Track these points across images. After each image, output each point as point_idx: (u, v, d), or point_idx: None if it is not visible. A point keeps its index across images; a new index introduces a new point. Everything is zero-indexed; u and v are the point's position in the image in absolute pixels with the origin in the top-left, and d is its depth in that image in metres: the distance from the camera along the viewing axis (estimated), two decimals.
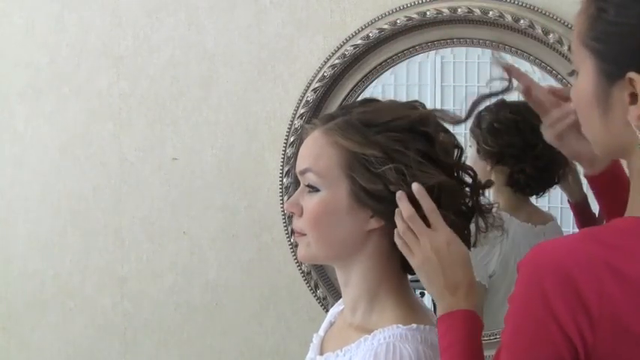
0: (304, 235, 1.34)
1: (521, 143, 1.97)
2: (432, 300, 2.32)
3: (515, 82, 1.39)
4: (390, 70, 2.08)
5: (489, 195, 1.52)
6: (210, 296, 2.26)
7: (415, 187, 1.26)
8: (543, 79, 2.05)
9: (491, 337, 1.92)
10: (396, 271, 1.32)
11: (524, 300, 1.02)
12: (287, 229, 2.12)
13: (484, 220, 1.37)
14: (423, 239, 1.25)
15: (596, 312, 0.97)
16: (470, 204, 1.36)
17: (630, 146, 1.06)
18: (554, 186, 2.03)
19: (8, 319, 2.46)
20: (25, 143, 2.39)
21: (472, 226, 1.37)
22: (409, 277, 1.37)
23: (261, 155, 2.18)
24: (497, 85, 1.39)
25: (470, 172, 1.37)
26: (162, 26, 2.23)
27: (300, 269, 2.13)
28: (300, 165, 1.34)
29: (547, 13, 1.89)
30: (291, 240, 2.10)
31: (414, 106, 1.37)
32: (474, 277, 1.27)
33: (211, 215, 2.24)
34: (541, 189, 2.05)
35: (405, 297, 1.34)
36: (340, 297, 1.43)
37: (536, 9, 1.90)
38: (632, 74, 1.03)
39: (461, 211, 1.35)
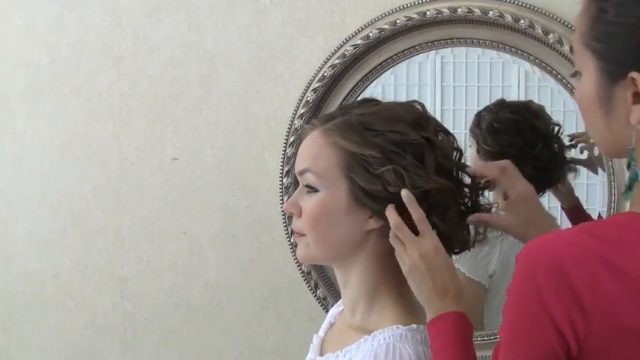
0: (303, 235, 1.34)
1: (521, 143, 1.97)
2: None
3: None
4: (390, 70, 2.08)
5: (489, 195, 1.52)
6: (210, 296, 2.26)
7: (404, 193, 1.26)
8: (543, 79, 2.05)
9: (492, 337, 1.92)
10: (395, 271, 1.32)
11: (519, 294, 1.03)
12: (287, 229, 2.12)
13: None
14: (410, 247, 1.26)
15: (590, 306, 0.97)
16: (469, 204, 1.37)
17: (635, 145, 1.06)
18: (567, 200, 2.03)
19: (8, 319, 2.46)
20: (25, 143, 2.39)
21: (471, 226, 1.38)
22: None
23: (261, 155, 2.18)
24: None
25: (470, 173, 1.37)
26: (162, 26, 2.23)
27: (300, 269, 2.13)
28: (299, 165, 1.34)
29: (547, 13, 1.89)
30: (291, 240, 2.10)
31: (413, 106, 1.37)
32: (462, 284, 1.28)
33: (211, 215, 2.24)
34: (541, 189, 2.05)
35: (404, 297, 1.34)
36: (340, 297, 1.43)
37: (536, 9, 1.90)
38: (634, 74, 1.03)
39: (460, 211, 1.35)
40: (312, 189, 1.32)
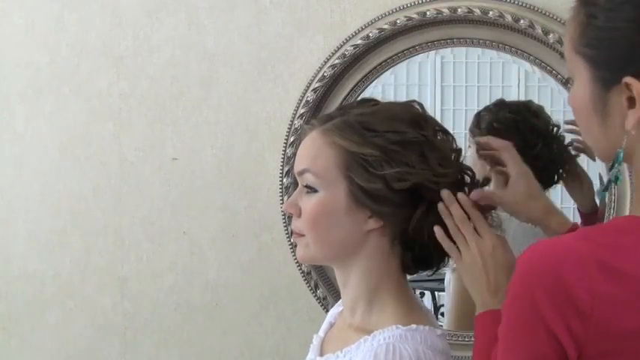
0: (303, 235, 1.34)
1: (521, 143, 1.95)
2: (432, 301, 2.33)
3: None
4: (390, 70, 2.08)
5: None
6: (210, 296, 2.26)
7: (444, 194, 1.29)
8: (543, 79, 2.05)
9: None
10: (395, 271, 1.33)
11: (515, 299, 1.03)
12: (287, 229, 2.12)
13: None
14: (472, 243, 1.28)
15: (589, 310, 0.97)
16: None
17: (631, 150, 1.06)
18: (554, 186, 2.03)
19: (8, 319, 2.46)
20: (25, 143, 2.38)
21: None
22: (408, 277, 1.37)
23: (261, 155, 2.18)
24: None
25: (469, 172, 1.38)
26: (162, 26, 2.23)
27: (300, 269, 2.13)
28: (299, 165, 1.34)
29: (547, 13, 1.89)
30: (291, 240, 2.10)
31: (412, 106, 1.37)
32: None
33: (211, 215, 2.24)
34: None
35: (404, 297, 1.34)
36: (340, 297, 1.43)
37: (536, 9, 1.90)
38: (628, 79, 1.02)
39: None
40: (311, 189, 1.32)
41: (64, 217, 2.36)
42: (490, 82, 2.19)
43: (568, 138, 2.00)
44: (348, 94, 2.07)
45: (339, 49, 2.05)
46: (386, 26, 2.00)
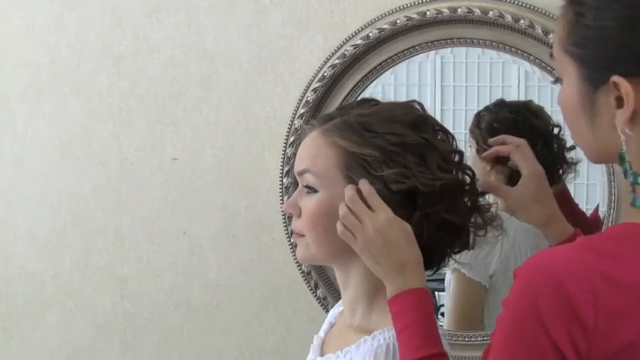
0: (303, 235, 1.34)
1: None
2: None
3: None
4: (390, 70, 2.08)
5: (489, 195, 1.52)
6: (210, 296, 2.25)
7: (362, 182, 1.28)
8: (543, 79, 2.05)
9: None
10: None
11: (517, 311, 1.01)
12: (287, 229, 2.12)
13: (483, 219, 1.37)
14: (365, 221, 1.25)
15: (592, 323, 0.96)
16: (469, 204, 1.36)
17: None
18: (554, 185, 2.03)
19: (8, 319, 2.46)
20: (25, 143, 2.38)
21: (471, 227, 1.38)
22: None
23: (261, 155, 2.18)
24: None
25: (469, 172, 1.37)
26: (163, 26, 2.23)
27: (300, 269, 2.13)
28: (299, 166, 1.34)
29: (547, 13, 1.89)
30: (291, 240, 2.09)
31: (412, 107, 1.37)
32: (420, 255, 1.27)
33: (211, 215, 2.24)
34: None
35: None
36: (340, 297, 1.43)
37: (536, 9, 1.90)
38: (615, 78, 1.01)
39: (461, 207, 1.35)
40: (311, 189, 1.32)
41: (64, 217, 2.36)
42: (490, 82, 2.19)
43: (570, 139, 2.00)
44: (348, 94, 2.07)
45: (339, 49, 2.05)
46: (386, 26, 2.00)
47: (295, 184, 1.84)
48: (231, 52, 2.18)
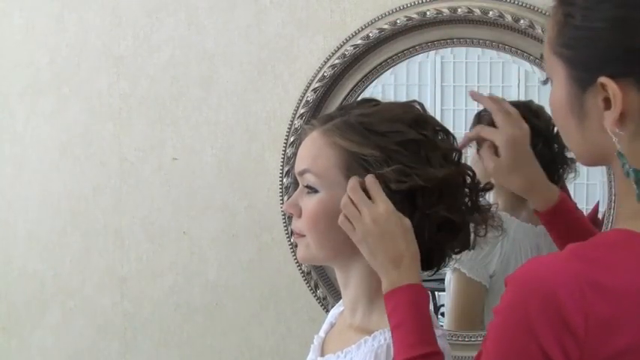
0: (303, 236, 1.34)
1: None
2: (432, 300, 2.33)
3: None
4: (390, 70, 2.08)
5: (489, 195, 1.52)
6: (210, 296, 2.26)
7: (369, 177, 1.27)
8: (543, 79, 2.05)
9: None
10: None
11: (508, 319, 1.00)
12: (287, 229, 2.12)
13: (484, 220, 1.37)
14: (364, 211, 1.25)
15: (582, 332, 0.95)
16: (469, 204, 1.36)
17: (610, 153, 1.04)
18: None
19: (8, 319, 2.46)
20: (25, 143, 2.39)
21: (471, 226, 1.38)
22: None
23: (261, 155, 2.18)
24: None
25: (469, 172, 1.37)
26: (163, 26, 2.23)
27: (300, 269, 2.13)
28: (299, 166, 1.34)
29: (547, 13, 1.89)
30: (291, 240, 2.10)
31: (412, 106, 1.37)
32: (417, 249, 1.27)
33: (211, 215, 2.24)
34: None
35: None
36: (340, 297, 1.43)
37: (536, 9, 1.90)
38: (603, 79, 1.00)
39: (461, 206, 1.35)
40: (311, 189, 1.32)
41: (64, 217, 2.36)
42: (490, 82, 2.19)
43: None
44: (348, 94, 2.07)
45: (339, 49, 2.05)
46: (386, 26, 2.00)
47: (295, 184, 1.84)
48: (231, 52, 2.18)
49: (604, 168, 1.92)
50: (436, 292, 2.29)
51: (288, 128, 2.11)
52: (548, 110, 2.03)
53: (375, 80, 2.08)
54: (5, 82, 2.40)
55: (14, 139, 2.39)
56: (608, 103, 1.01)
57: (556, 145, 1.98)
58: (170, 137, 2.25)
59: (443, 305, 2.24)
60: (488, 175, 1.38)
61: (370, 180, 1.27)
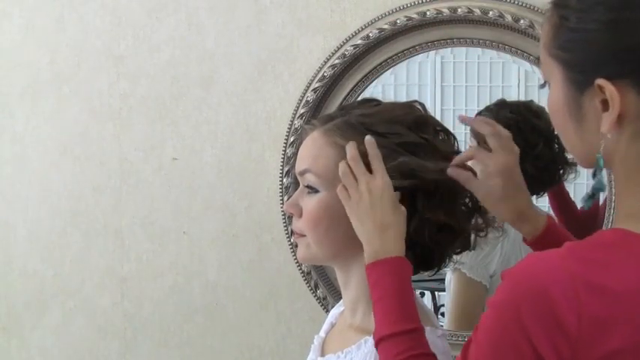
0: (304, 236, 1.34)
1: (522, 143, 1.94)
2: (432, 300, 2.33)
3: None
4: (390, 70, 2.08)
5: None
6: (210, 296, 2.26)
7: (367, 138, 1.27)
8: (543, 79, 2.05)
9: None
10: None
11: (500, 314, 1.01)
12: (287, 230, 2.12)
13: (484, 220, 1.37)
14: (361, 180, 1.26)
15: (575, 331, 0.95)
16: (469, 204, 1.36)
17: (609, 155, 1.04)
18: (555, 186, 2.03)
19: (8, 319, 2.46)
20: (25, 143, 2.39)
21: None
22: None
23: (261, 155, 2.18)
24: None
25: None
26: (162, 26, 2.23)
27: (300, 269, 2.13)
28: (300, 166, 1.34)
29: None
30: (291, 240, 2.10)
31: (413, 107, 1.37)
32: (405, 226, 1.26)
33: (211, 215, 2.24)
34: (541, 189, 2.05)
35: None
36: (340, 297, 1.43)
37: (536, 9, 1.90)
38: (600, 81, 1.00)
39: (461, 210, 1.35)
40: (312, 189, 1.32)
41: (64, 217, 2.36)
42: (490, 82, 2.19)
43: None
44: (348, 94, 2.07)
45: (339, 49, 2.05)
46: (386, 26, 2.00)
47: (295, 184, 1.84)
48: (231, 52, 2.18)
49: (604, 169, 1.92)
50: (436, 292, 2.29)
51: (288, 128, 2.11)
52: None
53: (375, 80, 2.08)
54: (5, 82, 2.40)
55: (14, 139, 2.40)
56: (605, 105, 1.01)
57: (556, 146, 1.99)
58: (170, 137, 2.25)
59: (443, 305, 2.24)
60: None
61: (373, 152, 1.27)
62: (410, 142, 1.29)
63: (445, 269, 1.77)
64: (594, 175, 1.06)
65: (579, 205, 1.99)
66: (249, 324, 2.23)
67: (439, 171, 1.29)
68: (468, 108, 2.16)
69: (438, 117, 1.71)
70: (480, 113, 2.04)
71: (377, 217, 1.24)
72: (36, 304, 2.42)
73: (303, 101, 2.08)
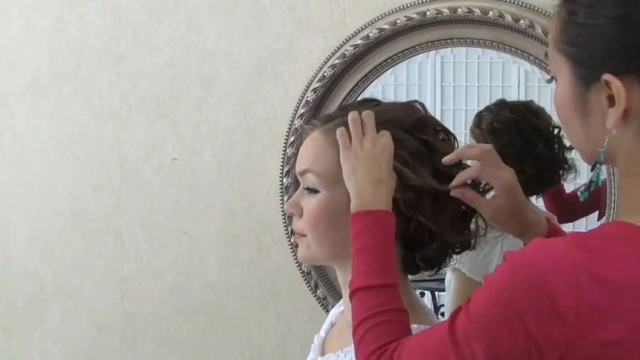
0: (304, 235, 1.33)
1: (522, 143, 1.97)
2: (432, 300, 2.33)
3: None
4: (390, 70, 2.08)
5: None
6: (210, 296, 2.26)
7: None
8: (543, 79, 2.05)
9: None
10: (396, 271, 1.32)
11: (497, 296, 1.01)
12: (287, 230, 2.12)
13: (484, 220, 1.36)
14: (368, 134, 1.25)
15: (572, 318, 0.96)
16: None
17: (613, 150, 1.05)
18: (554, 186, 2.03)
19: (8, 319, 2.46)
20: (25, 143, 2.39)
21: (472, 226, 1.37)
22: (409, 277, 1.37)
23: (261, 155, 2.18)
24: None
25: None
26: (162, 26, 2.23)
27: (300, 269, 2.13)
28: (300, 166, 1.34)
29: (547, 13, 1.89)
30: (291, 240, 2.10)
31: (413, 107, 1.37)
32: (394, 184, 1.25)
33: (211, 215, 2.24)
34: (541, 189, 2.05)
35: (405, 297, 1.33)
36: (340, 297, 1.43)
37: (536, 9, 1.90)
38: (607, 76, 1.01)
39: (460, 211, 1.35)
40: (312, 189, 1.32)
41: (64, 217, 2.36)
42: (490, 82, 2.19)
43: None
44: (348, 94, 2.07)
45: (339, 49, 2.05)
46: (386, 26, 2.00)
47: (295, 184, 1.84)
48: (231, 52, 2.18)
49: (604, 168, 1.92)
50: (436, 292, 2.29)
51: (288, 128, 2.11)
52: (548, 110, 2.05)
53: (375, 80, 2.08)
54: (5, 82, 2.40)
55: (14, 139, 2.40)
56: (612, 100, 1.02)
57: (556, 146, 1.99)
58: (170, 137, 2.25)
59: (443, 305, 2.24)
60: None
61: (366, 113, 1.26)
62: (410, 141, 1.29)
63: (445, 269, 1.78)
64: (593, 168, 1.06)
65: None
66: (249, 324, 2.23)
67: (437, 174, 1.29)
68: (468, 108, 2.16)
69: (438, 117, 1.71)
70: (480, 113, 2.05)
71: (372, 171, 1.23)
72: (36, 304, 2.42)
73: (303, 101, 2.08)
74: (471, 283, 1.97)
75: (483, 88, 2.20)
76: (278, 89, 2.15)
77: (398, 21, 1.99)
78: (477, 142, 2.00)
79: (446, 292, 2.11)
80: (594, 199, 1.94)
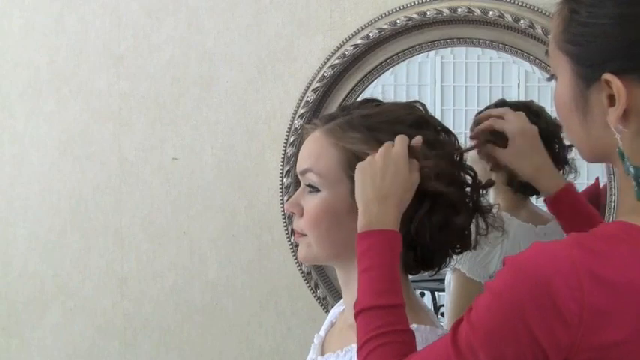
0: (304, 235, 1.34)
1: None
2: (432, 300, 2.33)
3: None
4: (390, 70, 2.08)
5: (489, 195, 1.52)
6: (210, 296, 2.26)
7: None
8: (543, 79, 2.05)
9: None
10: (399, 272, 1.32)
11: (500, 300, 1.01)
12: (287, 229, 2.12)
13: (484, 220, 1.37)
14: (382, 148, 1.25)
15: (575, 319, 0.96)
16: (471, 205, 1.36)
17: (612, 149, 1.04)
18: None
19: (8, 319, 2.46)
20: (25, 143, 2.39)
21: (472, 227, 1.37)
22: (409, 277, 1.37)
23: (261, 155, 2.18)
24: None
25: (470, 172, 1.37)
26: (162, 26, 2.23)
27: (300, 269, 2.13)
28: (301, 165, 1.34)
29: (547, 13, 1.89)
30: (291, 240, 2.10)
31: (414, 107, 1.37)
32: (409, 200, 1.25)
33: (211, 215, 2.24)
34: None
35: (405, 297, 1.34)
36: (340, 297, 1.43)
37: (536, 9, 1.90)
38: (607, 75, 1.01)
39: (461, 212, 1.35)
40: (313, 189, 1.32)
41: (64, 217, 2.36)
42: (490, 82, 2.19)
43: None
44: (348, 94, 2.07)
45: (339, 49, 2.05)
46: (386, 26, 2.00)
47: (296, 183, 1.84)
48: (231, 52, 2.18)
49: (603, 168, 1.93)
50: (436, 292, 2.29)
51: (288, 128, 2.11)
52: (548, 110, 2.05)
53: (375, 80, 2.08)
54: (5, 82, 2.40)
55: (14, 139, 2.40)
56: (612, 99, 1.02)
57: (556, 146, 1.99)
58: (170, 137, 2.25)
59: (443, 305, 2.24)
60: (489, 174, 1.41)
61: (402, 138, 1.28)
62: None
63: (445, 269, 1.78)
64: (628, 172, 1.04)
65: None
66: (249, 324, 2.23)
67: (438, 175, 1.29)
68: (468, 108, 2.16)
69: (438, 117, 1.71)
70: (479, 113, 2.04)
71: (376, 184, 1.23)
72: (36, 304, 2.42)
73: (303, 101, 2.08)
74: (471, 283, 1.97)
75: (483, 88, 2.20)
76: (278, 89, 2.15)
77: (398, 21, 1.99)
78: (476, 143, 2.01)
79: (446, 292, 2.11)
80: (594, 199, 1.94)
